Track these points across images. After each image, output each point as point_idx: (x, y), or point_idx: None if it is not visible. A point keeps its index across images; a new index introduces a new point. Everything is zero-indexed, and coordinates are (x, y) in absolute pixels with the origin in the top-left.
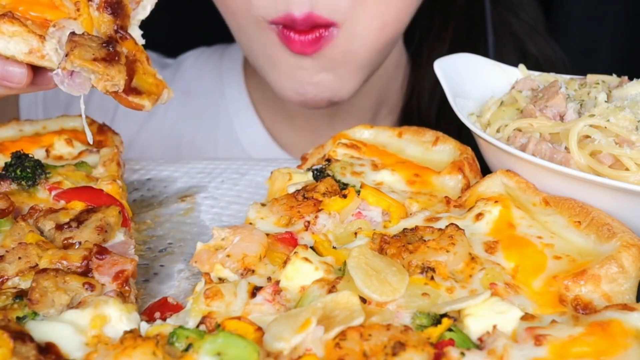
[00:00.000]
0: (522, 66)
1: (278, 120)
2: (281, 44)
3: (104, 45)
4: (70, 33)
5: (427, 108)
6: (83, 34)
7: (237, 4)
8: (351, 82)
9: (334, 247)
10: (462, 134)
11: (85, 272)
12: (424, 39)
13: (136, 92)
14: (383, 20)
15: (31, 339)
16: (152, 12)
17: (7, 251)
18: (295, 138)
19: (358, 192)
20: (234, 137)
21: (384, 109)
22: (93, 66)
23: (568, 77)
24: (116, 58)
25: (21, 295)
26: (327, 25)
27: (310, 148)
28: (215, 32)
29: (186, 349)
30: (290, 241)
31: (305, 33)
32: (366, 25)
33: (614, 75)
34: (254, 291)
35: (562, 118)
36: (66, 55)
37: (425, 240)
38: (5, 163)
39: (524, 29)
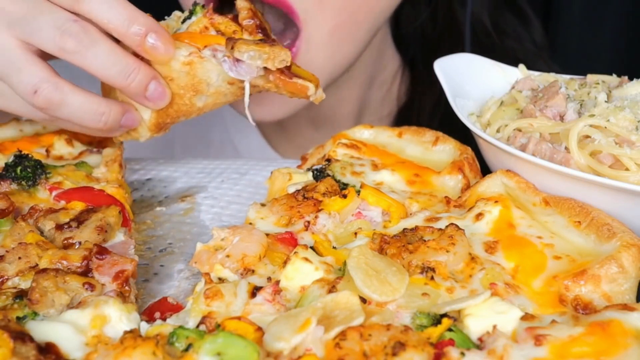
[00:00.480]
0: (522, 66)
1: (270, 123)
2: None
3: (259, 40)
4: (227, 38)
5: (428, 123)
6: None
7: None
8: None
9: (334, 247)
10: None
11: (85, 272)
12: (424, 51)
13: (297, 77)
14: (338, 21)
15: (31, 339)
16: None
17: (7, 251)
18: (285, 141)
19: (358, 192)
20: (227, 139)
21: (369, 116)
22: (259, 47)
23: (568, 77)
24: (274, 43)
25: (21, 295)
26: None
27: (299, 152)
28: None
29: (186, 349)
30: (290, 241)
31: None
32: (321, 28)
33: (614, 75)
34: (254, 291)
35: (562, 118)
36: (231, 48)
37: (425, 240)
38: (5, 163)
39: (528, 55)
